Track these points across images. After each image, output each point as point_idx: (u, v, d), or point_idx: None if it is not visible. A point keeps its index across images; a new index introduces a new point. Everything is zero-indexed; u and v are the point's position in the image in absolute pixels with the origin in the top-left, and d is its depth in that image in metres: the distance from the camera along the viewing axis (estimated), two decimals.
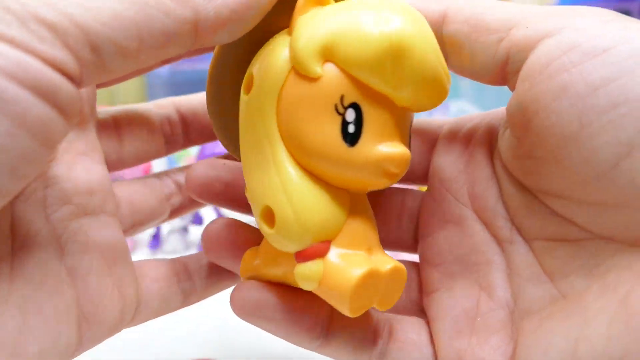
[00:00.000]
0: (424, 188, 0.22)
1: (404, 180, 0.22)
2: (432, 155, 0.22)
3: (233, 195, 0.21)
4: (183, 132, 0.25)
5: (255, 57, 0.17)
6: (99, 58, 0.14)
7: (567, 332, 0.16)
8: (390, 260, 0.17)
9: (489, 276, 0.19)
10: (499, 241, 0.19)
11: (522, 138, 0.17)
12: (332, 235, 0.16)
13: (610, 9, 0.16)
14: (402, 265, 0.17)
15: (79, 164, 0.20)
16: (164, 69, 0.72)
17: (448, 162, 0.21)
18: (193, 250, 0.45)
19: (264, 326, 0.19)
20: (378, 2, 0.16)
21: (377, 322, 0.20)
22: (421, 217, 0.22)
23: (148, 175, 0.25)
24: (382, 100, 0.16)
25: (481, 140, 0.20)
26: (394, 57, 0.15)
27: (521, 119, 0.17)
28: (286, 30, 0.17)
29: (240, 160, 0.18)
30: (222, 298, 0.37)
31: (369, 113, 0.16)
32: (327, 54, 0.15)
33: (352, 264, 0.16)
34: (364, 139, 0.16)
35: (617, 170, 0.15)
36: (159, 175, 0.25)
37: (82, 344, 0.18)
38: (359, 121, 0.16)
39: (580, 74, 0.15)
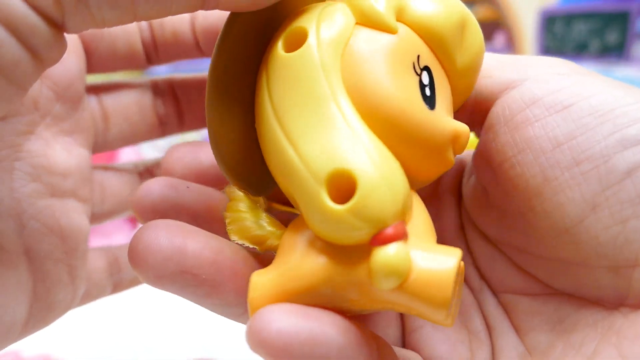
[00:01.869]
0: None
1: None
2: None
3: None
4: (177, 112, 0.23)
5: (295, 19, 0.15)
6: (86, 6, 0.13)
7: None
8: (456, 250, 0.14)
9: (472, 322, 0.18)
10: (471, 290, 0.19)
11: (488, 188, 0.17)
12: (410, 216, 0.14)
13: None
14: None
15: (60, 143, 0.19)
16: (163, 68, 0.72)
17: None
18: None
19: None
20: None
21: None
22: None
23: (125, 164, 0.23)
24: (442, 74, 0.15)
25: (449, 189, 0.20)
26: (462, 27, 0.15)
27: (486, 169, 0.17)
28: None
29: (237, 184, 0.16)
30: None
31: (437, 82, 0.15)
32: (399, 13, 0.15)
33: (439, 250, 0.13)
34: (438, 107, 0.14)
35: (580, 227, 0.15)
36: (137, 168, 0.23)
37: (29, 326, 0.18)
38: (432, 86, 0.15)
39: (543, 129, 0.15)
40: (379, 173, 0.12)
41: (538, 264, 0.17)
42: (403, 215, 0.13)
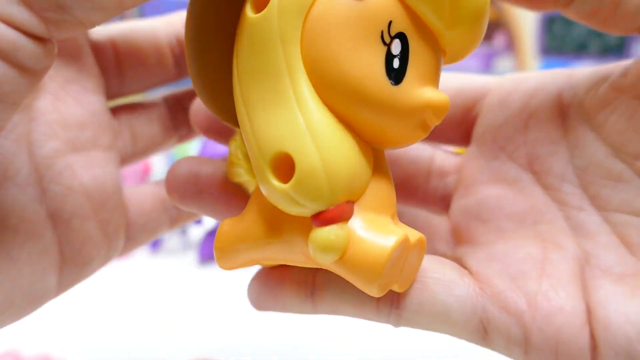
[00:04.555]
0: (461, 151, 0.20)
1: (439, 138, 0.21)
2: (481, 112, 0.20)
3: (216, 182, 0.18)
4: None
5: None
6: (70, 14, 0.13)
7: None
8: (415, 231, 0.14)
9: (552, 233, 0.17)
10: (563, 207, 0.18)
11: None
12: (357, 195, 0.14)
13: None
14: (424, 237, 0.15)
15: (68, 93, 0.18)
16: None
17: (502, 120, 0.19)
18: (193, 251, 0.45)
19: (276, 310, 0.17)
20: None
21: None
22: (463, 174, 0.20)
23: (153, 102, 0.22)
24: (428, 38, 0.14)
25: (547, 100, 0.18)
26: None
27: None
28: None
29: (226, 122, 0.16)
30: (222, 298, 0.37)
31: (414, 49, 0.14)
32: None
33: (383, 229, 0.13)
34: (407, 79, 0.13)
35: None
36: (167, 102, 0.22)
37: (63, 285, 0.18)
38: (404, 56, 0.13)
39: None
40: (319, 158, 0.13)
41: None
42: (345, 196, 0.13)
